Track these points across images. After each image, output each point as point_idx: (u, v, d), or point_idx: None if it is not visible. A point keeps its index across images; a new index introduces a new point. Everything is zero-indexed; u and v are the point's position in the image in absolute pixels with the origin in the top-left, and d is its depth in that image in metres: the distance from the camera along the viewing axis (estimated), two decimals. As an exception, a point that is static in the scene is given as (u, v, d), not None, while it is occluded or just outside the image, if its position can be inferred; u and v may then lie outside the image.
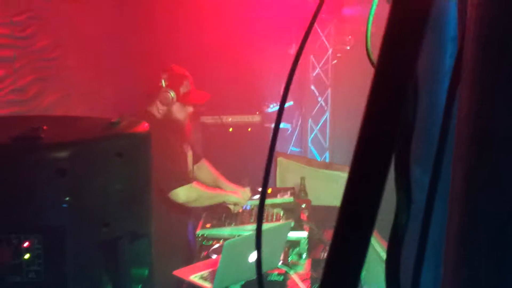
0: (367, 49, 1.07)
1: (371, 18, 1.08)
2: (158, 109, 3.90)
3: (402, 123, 0.69)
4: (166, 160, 3.61)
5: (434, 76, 0.94)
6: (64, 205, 1.93)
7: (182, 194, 3.78)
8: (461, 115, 0.62)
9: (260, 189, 4.21)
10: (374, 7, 1.06)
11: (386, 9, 0.48)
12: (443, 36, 0.93)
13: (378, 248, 3.67)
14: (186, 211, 4.12)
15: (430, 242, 0.77)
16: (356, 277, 0.45)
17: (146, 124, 2.30)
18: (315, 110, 6.99)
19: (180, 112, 3.92)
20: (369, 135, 0.42)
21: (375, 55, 0.65)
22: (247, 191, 4.14)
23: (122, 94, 5.10)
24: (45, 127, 2.04)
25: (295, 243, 3.62)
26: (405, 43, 0.43)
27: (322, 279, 0.46)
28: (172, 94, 3.82)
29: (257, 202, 4.03)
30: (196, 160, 4.31)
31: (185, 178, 3.86)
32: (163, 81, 3.83)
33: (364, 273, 3.91)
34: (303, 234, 3.66)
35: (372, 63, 1.02)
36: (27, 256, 1.92)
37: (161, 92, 3.84)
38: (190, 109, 3.99)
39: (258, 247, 0.73)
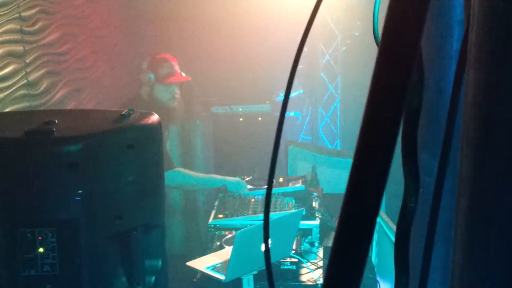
0: (374, 34, 1.07)
1: (378, 3, 1.07)
2: (144, 91, 4.25)
3: (409, 107, 0.69)
4: None
5: (441, 61, 0.94)
6: (77, 198, 1.95)
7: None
8: (467, 98, 0.62)
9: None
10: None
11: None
12: (450, 20, 0.93)
13: (390, 234, 3.67)
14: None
15: (439, 225, 0.77)
16: (362, 263, 0.45)
17: (156, 116, 2.30)
18: (325, 97, 6.97)
19: (162, 93, 4.22)
20: (373, 117, 0.43)
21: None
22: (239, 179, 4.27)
23: (134, 87, 5.12)
24: (56, 121, 2.05)
25: (307, 232, 3.63)
26: (408, 21, 0.43)
27: (328, 266, 0.46)
28: (150, 75, 4.18)
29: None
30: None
31: (169, 163, 3.98)
32: (144, 63, 4.25)
33: (376, 260, 3.91)
34: (315, 222, 3.67)
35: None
36: (41, 249, 1.94)
37: (141, 73, 4.23)
38: (174, 91, 4.25)
39: (266, 237, 0.74)
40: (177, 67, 4.28)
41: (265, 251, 0.81)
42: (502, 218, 0.61)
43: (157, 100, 4.19)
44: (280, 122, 0.78)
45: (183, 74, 4.31)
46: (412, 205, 0.71)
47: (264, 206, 3.82)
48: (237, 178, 4.25)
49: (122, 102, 4.37)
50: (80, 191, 1.94)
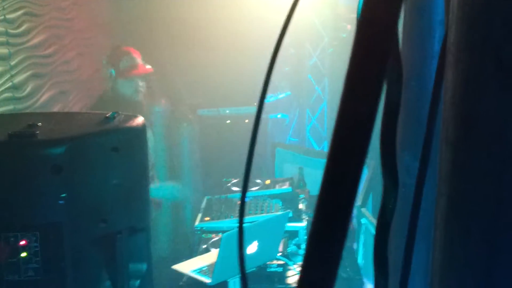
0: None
1: (360, 4, 1.07)
2: (108, 86, 4.07)
3: (387, 106, 0.69)
4: None
5: (423, 60, 0.93)
6: (61, 202, 1.93)
7: None
8: (446, 98, 0.62)
9: (257, 180, 4.21)
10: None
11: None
12: (431, 20, 0.93)
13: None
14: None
15: (420, 226, 0.77)
16: (337, 259, 0.45)
17: (141, 118, 2.29)
18: (313, 99, 6.97)
19: (125, 88, 4.03)
20: (348, 110, 0.42)
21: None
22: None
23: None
24: (40, 124, 2.03)
25: (293, 234, 3.63)
26: (384, 6, 0.43)
27: (302, 265, 0.46)
28: (111, 70, 4.00)
29: (256, 194, 4.03)
30: None
31: None
32: (104, 58, 4.09)
33: (363, 261, 3.91)
34: (301, 224, 3.66)
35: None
36: (24, 254, 1.92)
37: (102, 69, 4.09)
38: (139, 84, 4.05)
39: (240, 244, 0.73)
40: (139, 59, 4.08)
41: (239, 257, 0.80)
42: (481, 218, 0.60)
43: (122, 95, 4.00)
44: (256, 124, 0.77)
45: (147, 66, 4.11)
46: (390, 206, 0.71)
47: (252, 208, 3.81)
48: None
49: (93, 103, 4.24)
50: (64, 195, 1.93)
